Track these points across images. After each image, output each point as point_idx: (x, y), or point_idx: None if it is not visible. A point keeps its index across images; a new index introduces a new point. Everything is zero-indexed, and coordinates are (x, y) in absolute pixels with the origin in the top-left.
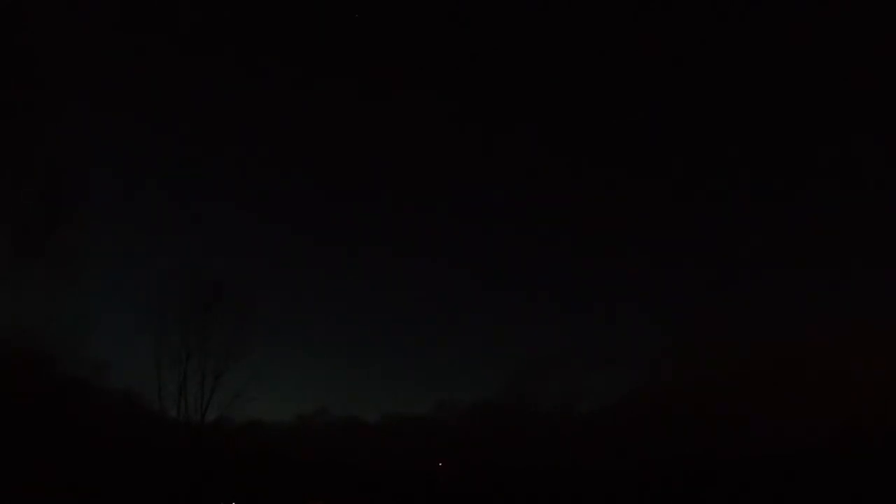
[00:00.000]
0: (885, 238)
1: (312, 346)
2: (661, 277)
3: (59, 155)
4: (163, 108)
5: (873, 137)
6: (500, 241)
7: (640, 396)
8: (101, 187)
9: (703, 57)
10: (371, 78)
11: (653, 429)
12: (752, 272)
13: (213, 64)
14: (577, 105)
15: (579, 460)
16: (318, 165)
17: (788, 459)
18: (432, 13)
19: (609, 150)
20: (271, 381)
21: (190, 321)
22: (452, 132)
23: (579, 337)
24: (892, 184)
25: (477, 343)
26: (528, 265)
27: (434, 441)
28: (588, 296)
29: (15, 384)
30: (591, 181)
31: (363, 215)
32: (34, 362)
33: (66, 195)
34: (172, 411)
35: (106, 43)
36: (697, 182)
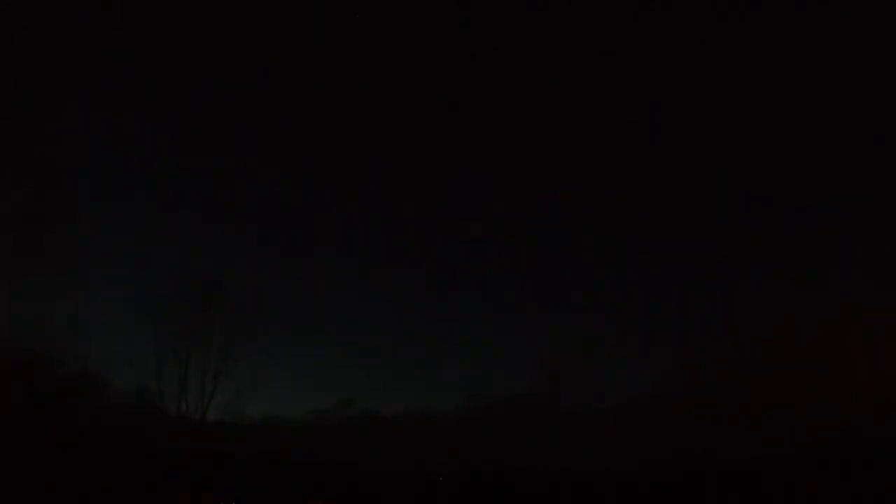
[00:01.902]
0: (886, 237)
1: (340, 340)
2: (679, 272)
3: (59, 154)
4: (162, 107)
5: (873, 137)
6: (524, 234)
7: (650, 397)
8: (101, 187)
9: (703, 57)
10: (371, 78)
11: (670, 427)
12: (765, 270)
13: (213, 64)
14: (579, 104)
15: (607, 459)
16: (322, 162)
17: (809, 456)
18: (432, 13)
19: (621, 147)
20: (292, 376)
21: (190, 321)
22: (456, 129)
23: (604, 331)
24: (893, 182)
25: (505, 337)
26: (549, 259)
27: (451, 438)
28: (611, 290)
29: (13, 385)
30: (608, 179)
31: (378, 207)
32: (33, 363)
33: (66, 195)
34: (173, 411)
35: (106, 43)
36: (704, 181)
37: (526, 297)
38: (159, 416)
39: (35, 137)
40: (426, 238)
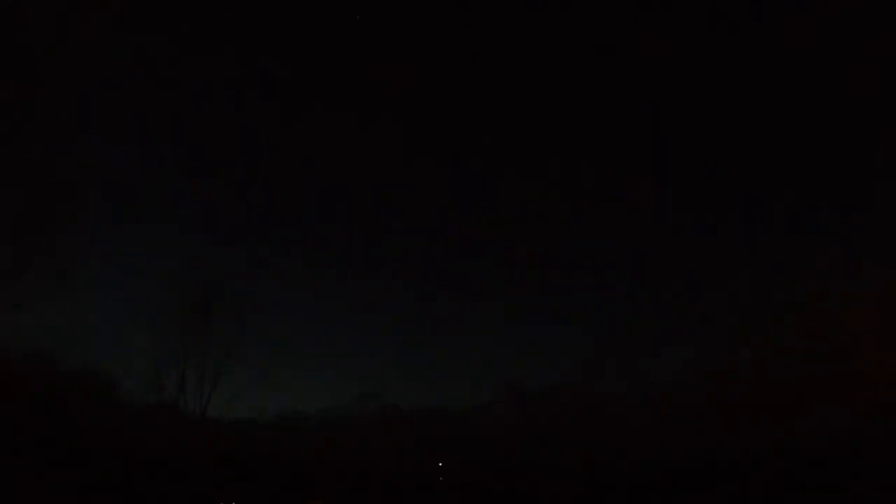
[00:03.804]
0: (887, 237)
1: (364, 335)
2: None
3: (59, 155)
4: (162, 108)
5: (873, 136)
6: (556, 227)
7: (667, 395)
8: (101, 188)
9: (702, 57)
10: (371, 79)
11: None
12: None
13: (213, 64)
14: (590, 104)
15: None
16: (328, 156)
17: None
18: (431, 14)
19: (642, 150)
20: (314, 371)
21: (190, 322)
22: (463, 122)
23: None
24: (893, 181)
25: (541, 330)
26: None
27: (474, 434)
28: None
29: (13, 385)
30: (629, 182)
31: (406, 202)
32: (33, 364)
33: (66, 196)
34: (172, 411)
35: (106, 44)
36: (712, 182)
37: (553, 292)
38: (159, 416)
39: (35, 138)
40: (451, 230)
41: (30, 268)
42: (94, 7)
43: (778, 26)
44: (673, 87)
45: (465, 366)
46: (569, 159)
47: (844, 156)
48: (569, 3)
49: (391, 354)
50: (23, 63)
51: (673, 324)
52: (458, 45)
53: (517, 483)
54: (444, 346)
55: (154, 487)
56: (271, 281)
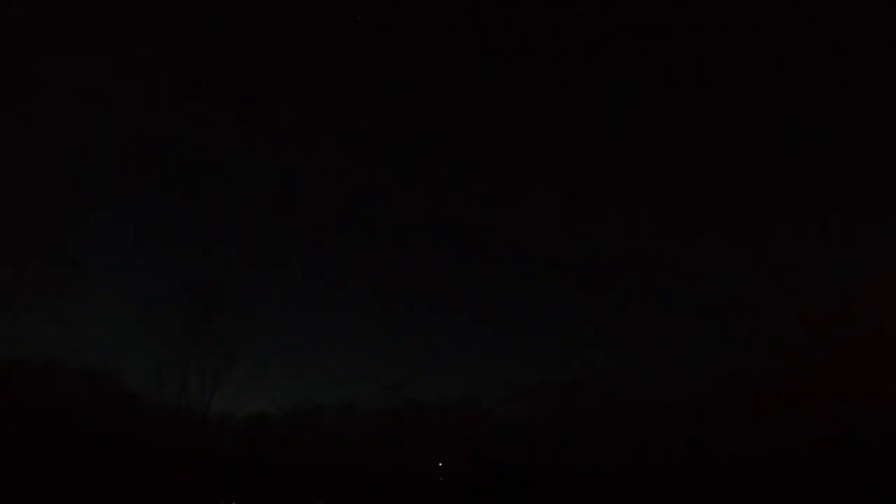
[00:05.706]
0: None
1: (398, 323)
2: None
3: (62, 156)
4: (163, 108)
5: (873, 137)
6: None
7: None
8: (103, 188)
9: (704, 57)
10: (371, 79)
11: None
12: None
13: (213, 65)
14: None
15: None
16: (335, 150)
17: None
18: (431, 15)
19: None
20: (330, 364)
21: (191, 322)
22: (480, 119)
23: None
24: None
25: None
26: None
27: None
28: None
29: (14, 385)
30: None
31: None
32: (34, 363)
33: (68, 196)
34: (173, 411)
35: (107, 44)
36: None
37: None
38: (159, 416)
39: (37, 139)
40: (479, 219)
41: (32, 269)
42: (95, 7)
43: (777, 27)
44: (687, 86)
45: (492, 358)
46: (595, 157)
47: (847, 156)
48: (570, 2)
49: (417, 346)
50: (23, 64)
51: (701, 318)
52: (456, 45)
53: (546, 479)
54: (470, 337)
55: (156, 487)
56: (285, 277)
